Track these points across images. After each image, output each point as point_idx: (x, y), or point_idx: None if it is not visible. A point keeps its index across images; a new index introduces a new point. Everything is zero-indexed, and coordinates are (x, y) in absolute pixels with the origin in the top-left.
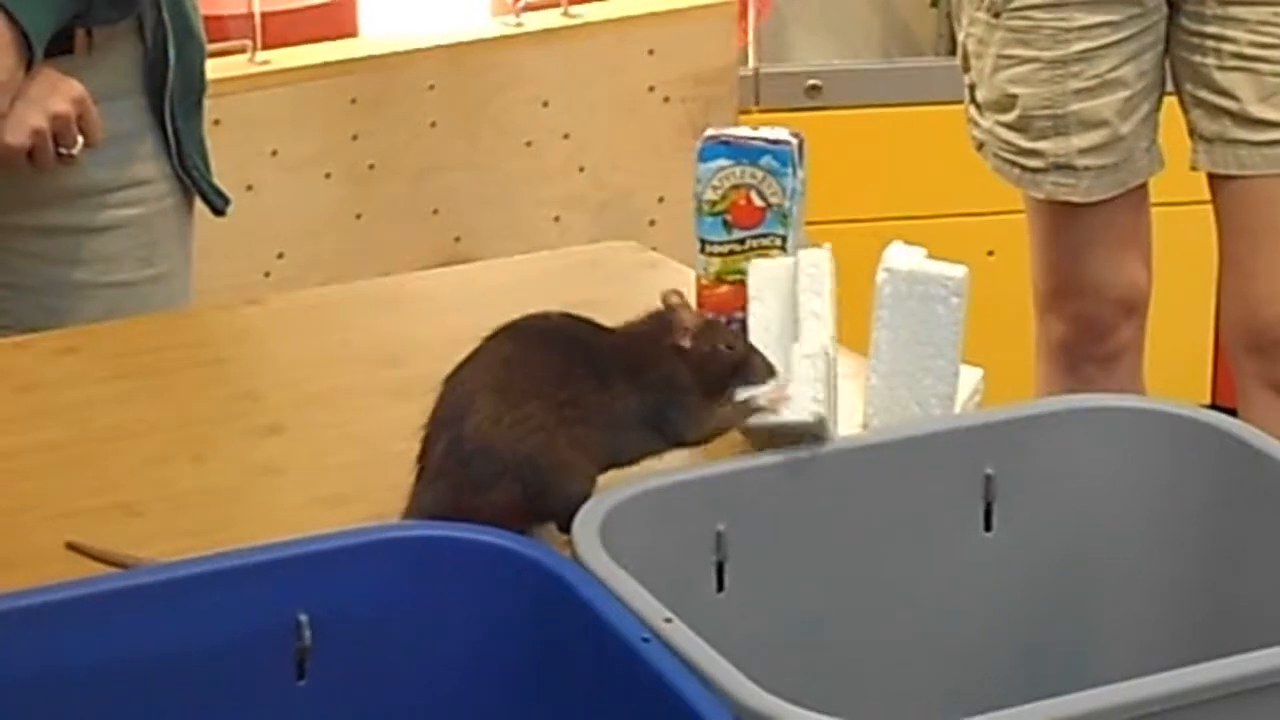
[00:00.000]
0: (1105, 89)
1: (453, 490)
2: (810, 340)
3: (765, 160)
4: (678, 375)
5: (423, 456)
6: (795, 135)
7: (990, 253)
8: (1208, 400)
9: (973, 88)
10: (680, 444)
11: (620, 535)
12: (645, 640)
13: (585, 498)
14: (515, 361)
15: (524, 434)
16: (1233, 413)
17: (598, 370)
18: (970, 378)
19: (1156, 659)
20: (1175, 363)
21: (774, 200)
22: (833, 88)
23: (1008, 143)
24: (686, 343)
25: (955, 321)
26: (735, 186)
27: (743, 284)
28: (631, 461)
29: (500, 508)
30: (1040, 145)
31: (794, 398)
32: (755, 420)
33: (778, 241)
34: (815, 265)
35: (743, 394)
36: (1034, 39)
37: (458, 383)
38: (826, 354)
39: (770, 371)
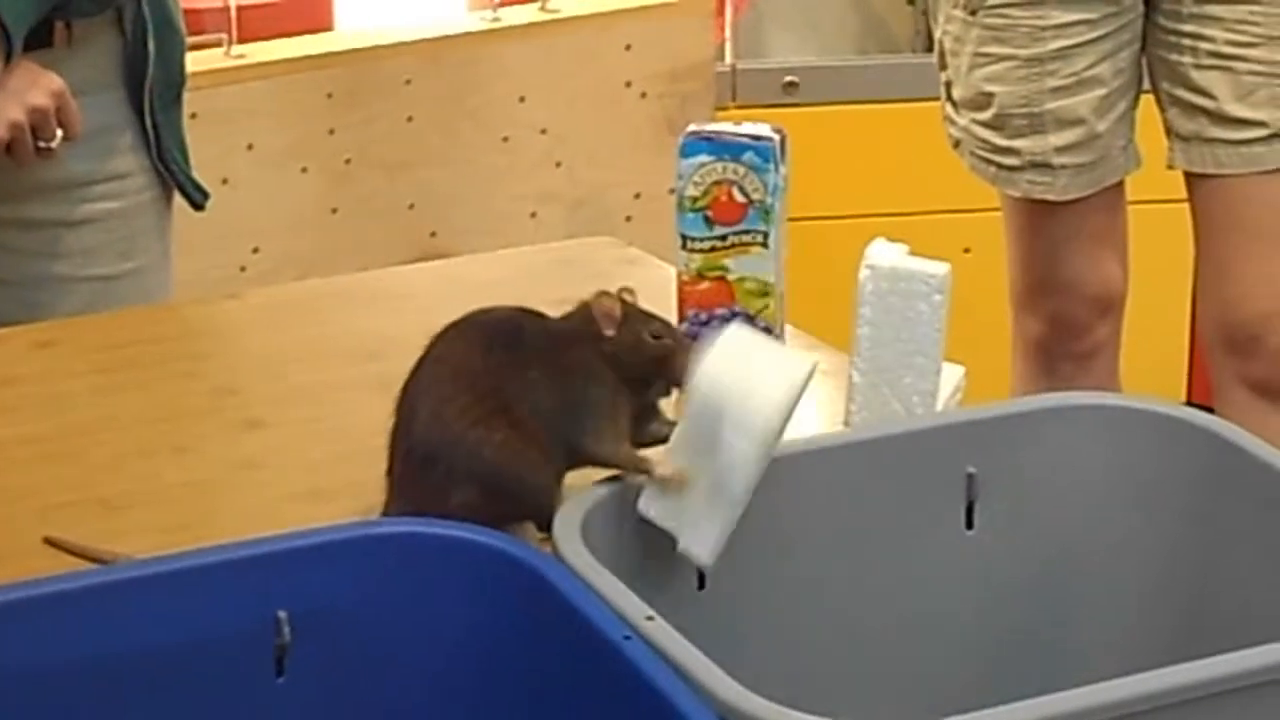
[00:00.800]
0: (1082, 87)
1: (417, 502)
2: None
3: (747, 156)
4: (594, 368)
5: (389, 469)
6: (777, 131)
7: (967, 250)
8: (1183, 398)
9: (949, 85)
10: (584, 457)
11: (601, 532)
12: (626, 638)
13: (545, 490)
14: (449, 360)
15: (464, 430)
16: (1208, 411)
17: (524, 362)
18: (952, 375)
19: (1138, 658)
20: (1151, 361)
21: (756, 196)
22: (810, 84)
23: (984, 141)
24: (610, 331)
25: (937, 319)
26: (717, 182)
27: (724, 280)
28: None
29: (466, 511)
30: (1017, 143)
31: (693, 513)
32: (642, 505)
33: (759, 238)
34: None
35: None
36: (1010, 37)
37: (407, 390)
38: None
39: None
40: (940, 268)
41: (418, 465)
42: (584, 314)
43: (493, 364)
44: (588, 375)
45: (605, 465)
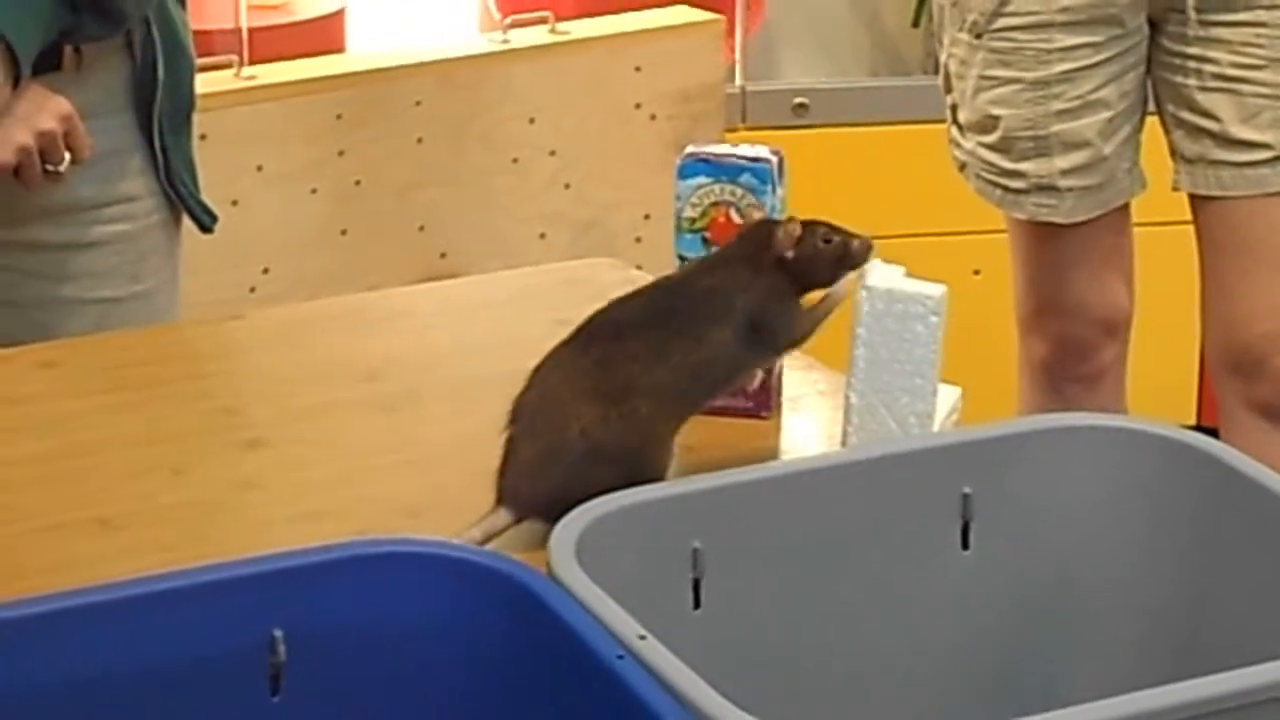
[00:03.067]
0: (1087, 110)
1: (556, 478)
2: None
3: (745, 178)
4: (778, 286)
5: (511, 449)
6: (775, 153)
7: (976, 272)
8: (1193, 421)
9: (954, 109)
10: (782, 351)
11: (596, 551)
12: (620, 657)
13: (665, 462)
14: (607, 357)
15: (630, 426)
16: (1217, 434)
17: (692, 320)
18: (948, 396)
19: (1134, 680)
20: (1160, 383)
21: (753, 218)
22: (819, 106)
23: (990, 164)
24: (790, 253)
25: (934, 340)
26: (715, 204)
27: None
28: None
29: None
30: (1022, 166)
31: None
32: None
33: None
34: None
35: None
36: (1016, 60)
37: (546, 373)
38: None
39: (870, 248)
40: (936, 289)
41: (576, 454)
42: (749, 242)
43: (655, 346)
44: (772, 296)
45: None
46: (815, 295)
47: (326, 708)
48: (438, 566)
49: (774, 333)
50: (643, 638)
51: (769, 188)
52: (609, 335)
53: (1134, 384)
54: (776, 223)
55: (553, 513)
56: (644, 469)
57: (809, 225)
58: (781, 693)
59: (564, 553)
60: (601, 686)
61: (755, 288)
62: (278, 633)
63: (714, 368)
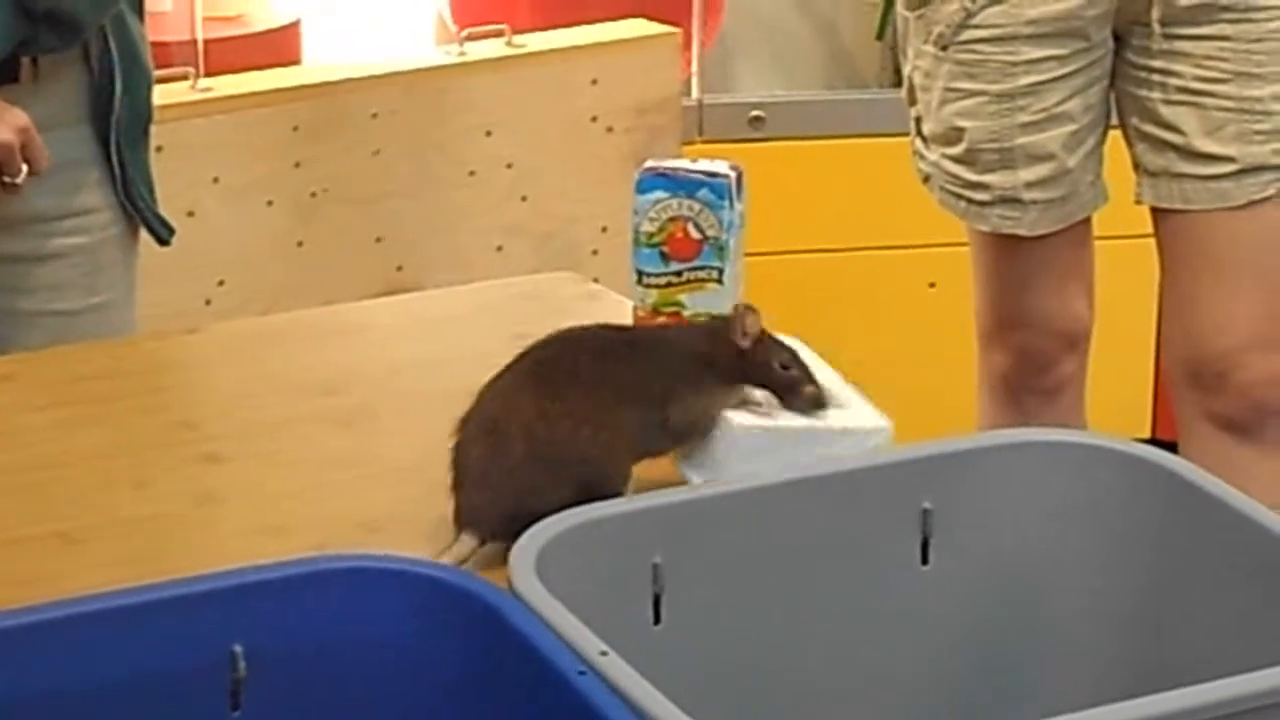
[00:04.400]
0: (1052, 123)
1: (509, 497)
2: None
3: (702, 193)
4: (718, 366)
5: (459, 464)
6: (734, 168)
7: (932, 284)
8: (1148, 434)
9: (919, 120)
10: (676, 434)
11: (556, 567)
12: (581, 673)
13: (622, 485)
14: (549, 362)
15: (568, 434)
16: (1173, 446)
17: (635, 356)
18: (879, 430)
19: (1095, 695)
20: (1116, 396)
21: (711, 233)
22: (776, 119)
23: (954, 175)
24: (745, 344)
25: None
26: (672, 219)
27: (679, 316)
28: (660, 450)
29: (553, 508)
30: (987, 178)
31: None
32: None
33: (714, 274)
34: None
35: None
36: (981, 72)
37: (490, 394)
38: None
39: (821, 404)
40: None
41: (515, 463)
42: (712, 325)
43: (607, 363)
44: (702, 374)
45: (696, 429)
46: None
47: None
48: (399, 582)
49: (685, 416)
50: (604, 654)
51: (726, 203)
52: (559, 349)
53: (1090, 397)
54: (745, 314)
55: (511, 530)
56: (591, 489)
57: (777, 343)
58: (742, 708)
59: (525, 568)
60: (563, 703)
61: (705, 359)
62: (238, 648)
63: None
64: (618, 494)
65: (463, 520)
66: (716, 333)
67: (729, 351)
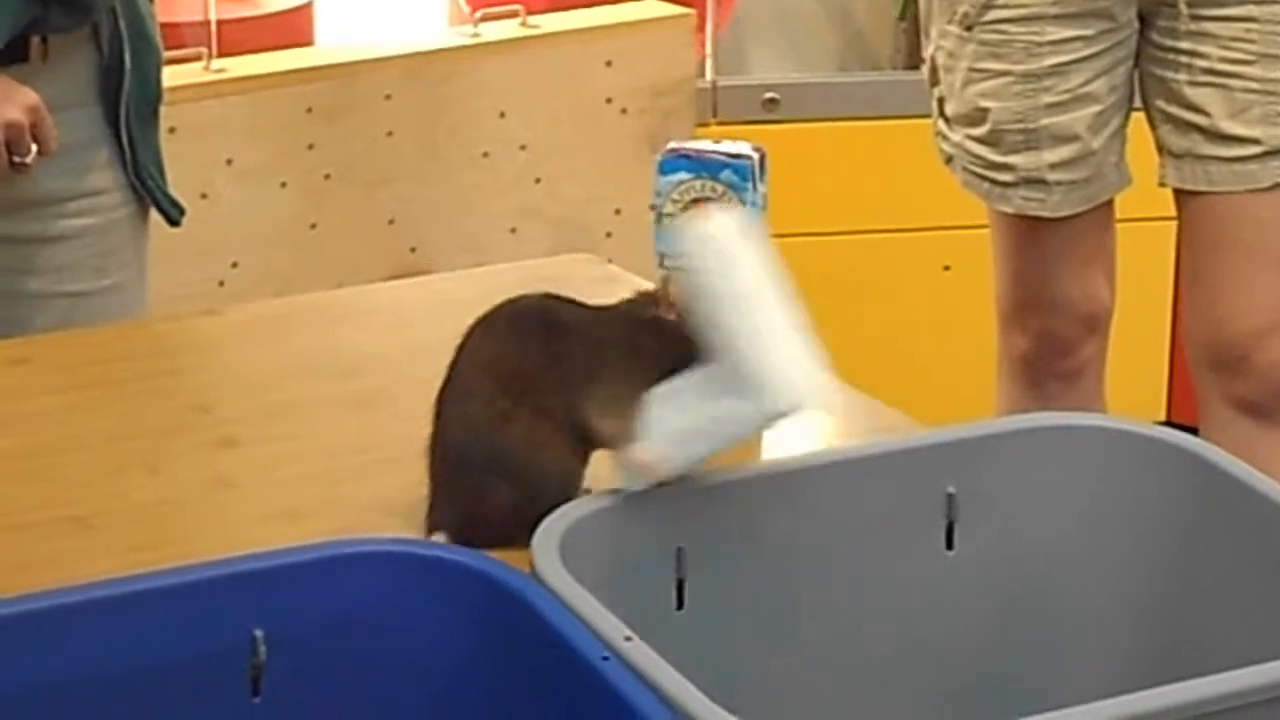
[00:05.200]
0: (1077, 103)
1: (459, 506)
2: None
3: (725, 174)
4: (629, 349)
5: (431, 472)
6: (757, 150)
7: (947, 267)
8: (1163, 417)
9: (942, 101)
10: (589, 431)
11: (580, 552)
12: (605, 658)
13: (569, 481)
14: (477, 356)
15: (494, 428)
16: (1188, 429)
17: (556, 342)
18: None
19: (1118, 679)
20: (1132, 379)
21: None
22: (790, 101)
23: (978, 156)
24: (673, 315)
25: None
26: (695, 200)
27: None
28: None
29: (502, 511)
30: (1011, 159)
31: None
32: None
33: None
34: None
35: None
36: (1006, 53)
37: (442, 392)
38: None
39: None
40: None
41: (452, 468)
42: (632, 301)
43: (521, 351)
44: (620, 351)
45: (601, 441)
46: None
47: (307, 708)
48: (421, 567)
49: (593, 394)
50: (628, 639)
51: (750, 184)
52: (490, 333)
53: (1106, 380)
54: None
55: (474, 536)
56: (528, 481)
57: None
58: (765, 693)
59: (548, 553)
60: (587, 688)
61: (613, 336)
62: (258, 633)
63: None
64: (565, 486)
65: (432, 528)
66: (639, 312)
67: (654, 333)
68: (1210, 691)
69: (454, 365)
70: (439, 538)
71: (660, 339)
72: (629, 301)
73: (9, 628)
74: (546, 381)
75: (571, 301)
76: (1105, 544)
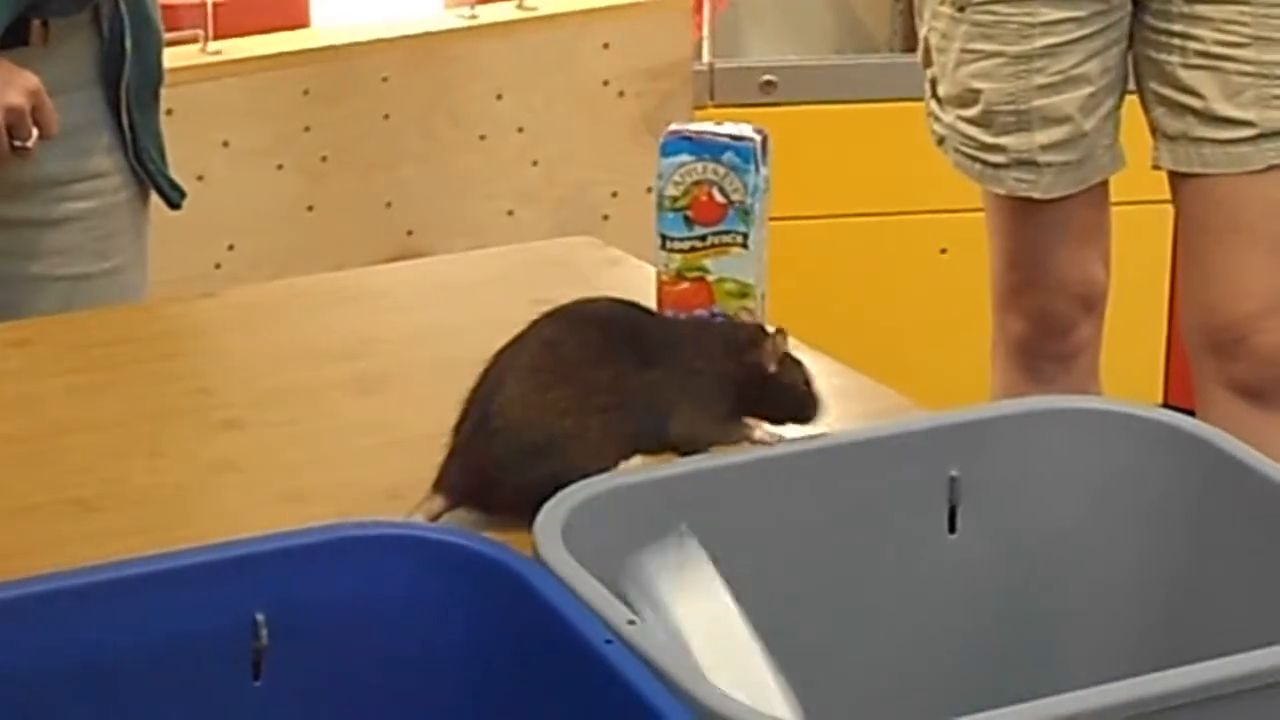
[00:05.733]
0: (1069, 85)
1: (477, 468)
2: None
3: (727, 156)
4: (731, 392)
5: (455, 431)
6: (759, 132)
7: (943, 250)
8: (1160, 399)
9: (934, 82)
10: (672, 446)
11: (582, 534)
12: (608, 642)
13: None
14: (554, 344)
15: (551, 417)
16: (1185, 412)
17: (647, 360)
18: None
19: (1121, 661)
20: (1128, 362)
21: (735, 197)
22: (787, 83)
23: (969, 138)
24: (773, 368)
25: None
26: (697, 182)
27: (703, 281)
28: (654, 451)
29: (521, 489)
30: (1003, 140)
31: None
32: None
33: (739, 239)
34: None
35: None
36: (999, 34)
37: (496, 362)
38: None
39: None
40: None
41: (489, 435)
42: (732, 337)
43: (609, 357)
44: (713, 384)
45: (693, 448)
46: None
47: (309, 692)
48: (423, 550)
49: (687, 432)
50: (632, 622)
51: (752, 166)
52: (568, 324)
53: (1103, 363)
54: (767, 334)
55: (477, 499)
56: (568, 476)
57: (795, 361)
58: None
59: (551, 536)
60: (590, 671)
61: (709, 384)
62: (260, 616)
63: (640, 407)
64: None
65: (438, 482)
66: (738, 351)
67: (747, 375)
68: (1216, 675)
69: (515, 341)
70: (432, 502)
71: (757, 387)
72: (726, 333)
73: (10, 611)
74: (625, 394)
75: (652, 313)
76: (1108, 527)
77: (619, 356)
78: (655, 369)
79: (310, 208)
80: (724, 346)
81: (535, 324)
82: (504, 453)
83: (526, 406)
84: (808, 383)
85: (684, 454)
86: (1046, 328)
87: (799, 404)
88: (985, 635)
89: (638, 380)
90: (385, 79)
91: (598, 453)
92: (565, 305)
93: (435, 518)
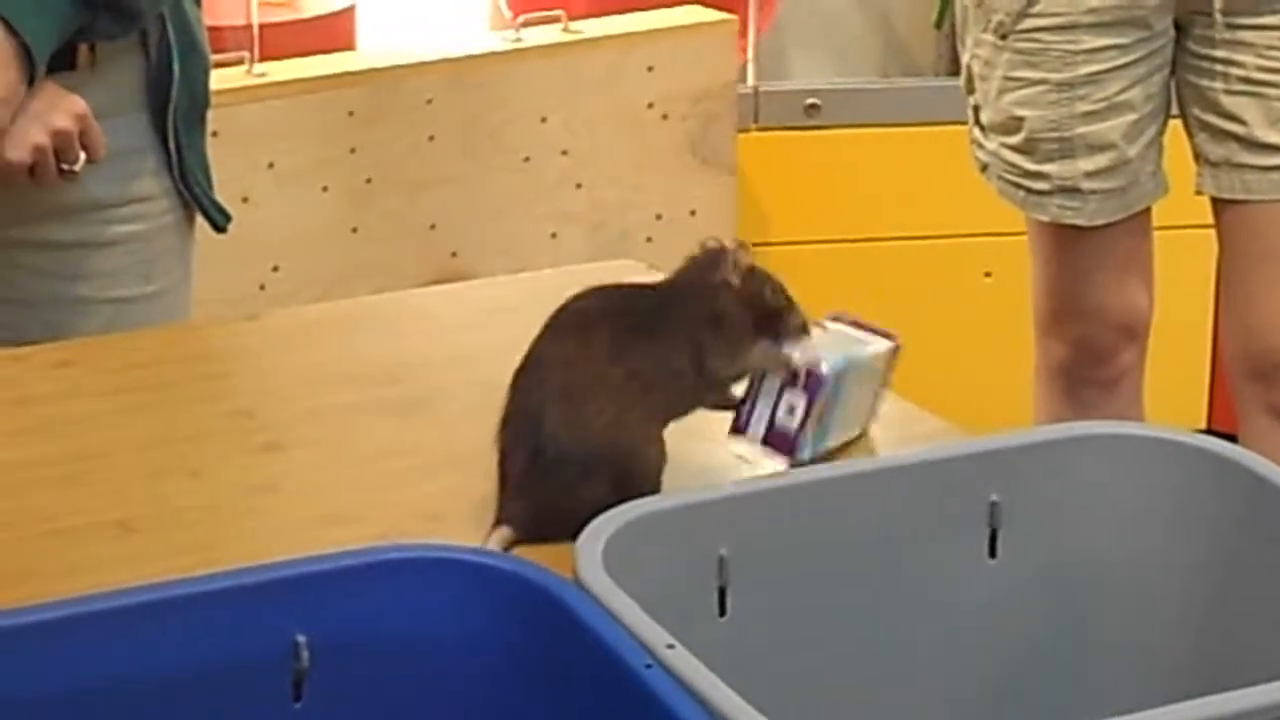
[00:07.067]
0: (1112, 112)
1: (547, 502)
2: None
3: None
4: (725, 309)
5: (502, 466)
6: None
7: (988, 274)
8: (1203, 425)
9: (977, 110)
10: (713, 385)
11: (623, 559)
12: (648, 666)
13: (661, 469)
14: (569, 361)
15: (598, 429)
16: (1229, 438)
17: (648, 328)
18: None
19: (1160, 689)
20: (1172, 387)
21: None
22: (831, 107)
23: (1013, 165)
24: (735, 280)
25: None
26: None
27: None
28: (685, 413)
29: (590, 504)
30: (1046, 168)
31: None
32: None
33: None
34: None
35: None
36: (1042, 61)
37: (523, 391)
38: None
39: (805, 330)
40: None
41: (546, 468)
42: (698, 265)
43: (624, 347)
44: (719, 321)
45: (735, 376)
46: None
47: (349, 714)
48: (463, 573)
49: (710, 359)
50: (671, 647)
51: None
52: (572, 332)
53: (1146, 388)
54: (726, 249)
55: (554, 532)
56: (629, 475)
57: (759, 273)
58: (808, 700)
59: (591, 560)
60: (629, 696)
61: (705, 309)
62: (300, 639)
63: (666, 372)
64: (655, 476)
65: (501, 517)
66: (706, 275)
67: (732, 297)
68: (1255, 703)
69: (532, 364)
70: (501, 533)
71: (742, 304)
72: (699, 274)
73: (51, 632)
74: (640, 367)
75: (639, 287)
76: (1149, 553)
77: (624, 340)
78: (658, 335)
79: (354, 229)
80: (698, 279)
81: (538, 341)
82: (571, 478)
83: (571, 428)
84: (775, 292)
85: (718, 405)
86: (1088, 354)
87: (773, 311)
88: (1025, 659)
89: (650, 354)
90: (429, 101)
91: (647, 437)
92: (555, 314)
93: (507, 548)
